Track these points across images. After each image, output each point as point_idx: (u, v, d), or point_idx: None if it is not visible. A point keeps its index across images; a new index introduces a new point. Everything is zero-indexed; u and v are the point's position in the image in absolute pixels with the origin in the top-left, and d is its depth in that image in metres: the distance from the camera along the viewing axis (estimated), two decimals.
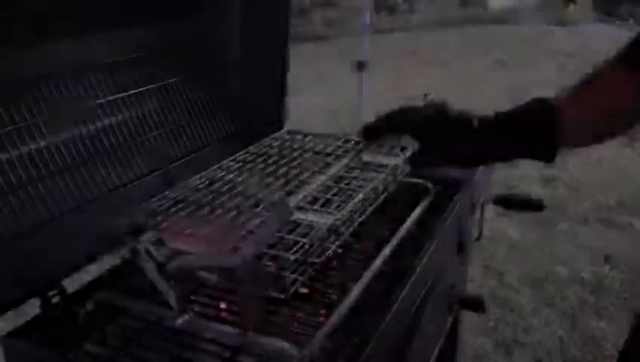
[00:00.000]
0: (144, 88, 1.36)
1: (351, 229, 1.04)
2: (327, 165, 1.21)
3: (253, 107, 1.62)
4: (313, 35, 9.57)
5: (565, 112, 0.88)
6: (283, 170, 1.21)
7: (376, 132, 0.95)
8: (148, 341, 0.97)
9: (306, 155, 1.28)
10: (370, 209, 1.10)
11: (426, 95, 1.10)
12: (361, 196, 1.07)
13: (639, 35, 0.85)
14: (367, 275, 1.03)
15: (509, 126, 0.89)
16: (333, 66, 7.65)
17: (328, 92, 6.56)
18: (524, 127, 0.89)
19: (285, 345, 0.83)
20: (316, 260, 0.92)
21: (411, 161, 0.96)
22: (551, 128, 0.88)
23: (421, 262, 1.13)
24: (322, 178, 0.89)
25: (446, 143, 0.90)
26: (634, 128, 0.93)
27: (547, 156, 0.91)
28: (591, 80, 0.90)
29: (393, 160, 1.18)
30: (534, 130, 0.89)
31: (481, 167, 1.54)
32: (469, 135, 0.89)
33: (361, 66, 3.83)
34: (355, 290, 0.99)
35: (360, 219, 1.06)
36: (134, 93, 1.34)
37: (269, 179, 1.16)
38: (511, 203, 1.50)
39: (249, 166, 1.25)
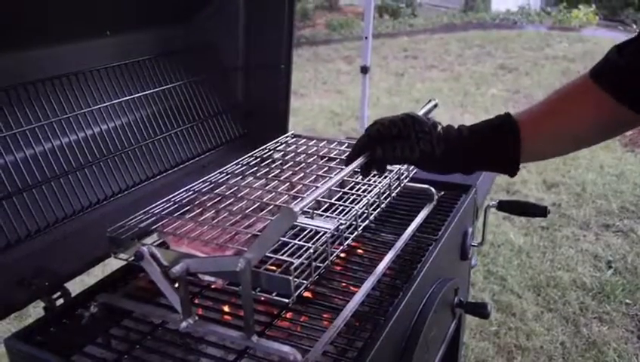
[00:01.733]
0: (148, 92, 1.37)
1: (355, 234, 1.03)
2: (331, 169, 1.21)
3: (257, 110, 1.62)
4: (316, 39, 9.59)
5: (529, 130, 0.89)
6: (287, 174, 1.21)
7: (353, 156, 0.94)
8: (152, 344, 0.97)
9: (310, 160, 1.28)
10: (375, 213, 1.10)
11: (429, 101, 1.10)
12: (365, 201, 1.07)
13: (609, 55, 0.85)
14: (371, 280, 1.03)
15: (473, 139, 0.91)
16: (336, 70, 7.67)
17: (331, 95, 6.57)
18: (486, 142, 0.90)
19: (289, 349, 0.83)
20: (320, 264, 0.92)
21: (370, 162, 0.93)
22: (513, 145, 0.89)
23: (424, 266, 1.13)
24: (327, 183, 0.89)
25: (411, 141, 0.90)
26: (598, 143, 0.94)
27: (509, 170, 0.91)
28: (558, 97, 0.90)
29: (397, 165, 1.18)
30: (496, 146, 0.90)
31: (483, 173, 1.54)
32: (435, 138, 0.90)
33: (364, 70, 3.83)
34: (359, 295, 0.99)
35: (364, 224, 1.06)
36: (138, 96, 1.34)
37: (274, 183, 1.16)
38: (515, 208, 1.49)
39: (253, 170, 1.25)
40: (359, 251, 1.21)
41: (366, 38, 3.79)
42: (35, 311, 1.04)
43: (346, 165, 0.93)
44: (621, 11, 10.65)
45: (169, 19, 1.44)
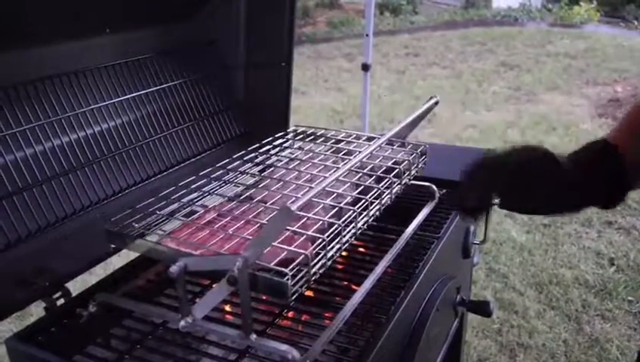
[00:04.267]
0: (149, 90, 1.36)
1: (354, 231, 1.02)
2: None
3: (258, 109, 1.62)
4: (317, 37, 9.57)
5: (627, 153, 0.80)
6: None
7: (470, 201, 0.84)
8: (153, 344, 0.97)
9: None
10: (377, 212, 1.09)
11: (430, 98, 1.10)
12: (363, 203, 1.05)
13: None
14: (372, 278, 1.03)
15: (578, 177, 0.80)
16: (337, 67, 7.66)
17: (332, 93, 6.56)
18: (593, 178, 0.81)
19: (287, 347, 0.82)
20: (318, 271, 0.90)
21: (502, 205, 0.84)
22: (622, 174, 0.80)
23: (426, 265, 1.12)
24: (323, 181, 0.88)
25: (540, 191, 0.80)
26: None
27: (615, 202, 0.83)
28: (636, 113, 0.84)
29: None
30: (604, 181, 0.81)
31: None
32: (561, 178, 0.80)
33: (365, 68, 3.82)
34: (359, 293, 0.98)
35: (365, 220, 1.05)
36: (139, 95, 1.34)
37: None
38: None
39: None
40: (360, 249, 1.20)
41: (367, 35, 3.78)
42: (37, 310, 1.04)
43: (460, 207, 0.86)
44: (622, 8, 10.62)
45: (169, 16, 1.43)
